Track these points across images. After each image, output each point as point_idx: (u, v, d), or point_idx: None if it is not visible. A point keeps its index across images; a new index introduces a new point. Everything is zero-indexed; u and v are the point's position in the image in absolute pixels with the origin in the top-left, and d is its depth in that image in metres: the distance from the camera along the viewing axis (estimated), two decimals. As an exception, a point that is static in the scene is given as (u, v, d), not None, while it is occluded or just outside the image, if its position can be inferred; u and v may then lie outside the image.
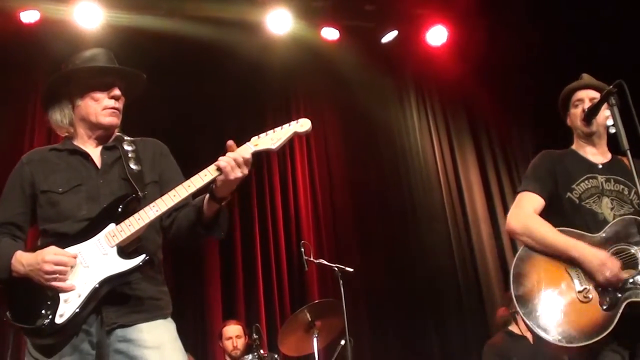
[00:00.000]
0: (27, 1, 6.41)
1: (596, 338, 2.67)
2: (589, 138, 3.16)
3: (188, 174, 2.43)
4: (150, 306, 2.43)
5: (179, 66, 6.82)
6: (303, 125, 2.44)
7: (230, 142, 2.36)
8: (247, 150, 2.36)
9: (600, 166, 3.12)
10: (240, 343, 5.64)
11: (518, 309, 2.81)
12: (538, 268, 2.87)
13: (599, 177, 3.07)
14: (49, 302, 2.28)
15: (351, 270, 5.17)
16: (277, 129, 2.42)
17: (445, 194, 7.59)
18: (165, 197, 2.36)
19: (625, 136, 2.75)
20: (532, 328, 2.75)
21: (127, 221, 2.35)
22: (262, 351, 5.17)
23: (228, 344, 5.64)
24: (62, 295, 2.28)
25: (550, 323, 2.73)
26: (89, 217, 2.41)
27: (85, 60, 2.59)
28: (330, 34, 7.42)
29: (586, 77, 3.26)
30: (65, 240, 2.37)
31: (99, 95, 2.56)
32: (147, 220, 2.34)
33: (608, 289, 2.75)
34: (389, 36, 7.65)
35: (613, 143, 2.94)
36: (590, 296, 2.75)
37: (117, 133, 2.67)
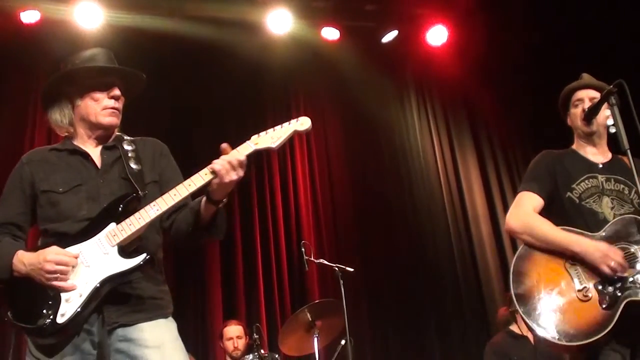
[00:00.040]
0: (28, 1, 6.42)
1: (595, 337, 2.67)
2: (589, 138, 3.16)
3: (188, 173, 2.43)
4: (151, 305, 2.43)
5: (179, 66, 6.83)
6: (303, 123, 2.44)
7: (224, 145, 2.37)
8: (242, 152, 2.36)
9: (601, 166, 3.12)
10: (241, 344, 5.64)
11: (517, 307, 2.81)
12: (538, 267, 2.87)
13: (599, 176, 3.07)
14: (50, 302, 2.28)
15: (352, 270, 5.17)
16: (277, 128, 2.43)
17: (445, 194, 7.59)
18: (165, 196, 2.36)
19: (625, 136, 2.75)
20: (532, 326, 2.75)
21: (127, 220, 2.35)
22: (262, 351, 5.17)
23: (229, 345, 5.64)
24: (63, 295, 2.29)
25: (550, 322, 2.74)
26: (89, 217, 2.41)
27: (85, 60, 2.59)
28: (331, 33, 7.43)
29: (586, 77, 3.26)
30: (66, 240, 2.37)
31: (98, 95, 2.56)
32: (147, 220, 2.34)
33: (608, 288, 2.75)
34: (389, 36, 7.66)
35: (613, 143, 2.94)
36: (590, 295, 2.76)
37: (116, 133, 2.67)
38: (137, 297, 2.40)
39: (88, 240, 2.36)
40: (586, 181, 3.05)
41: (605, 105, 2.94)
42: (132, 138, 2.68)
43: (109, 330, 2.34)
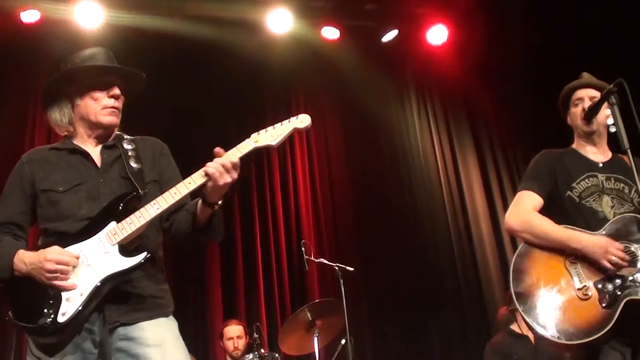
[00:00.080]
0: (28, 1, 6.42)
1: (595, 335, 2.67)
2: (589, 137, 3.17)
3: (188, 173, 2.43)
4: (151, 304, 2.43)
5: (179, 66, 6.83)
6: (303, 121, 2.45)
7: (217, 149, 2.36)
8: (242, 150, 2.37)
9: (601, 165, 3.12)
10: (241, 343, 5.64)
11: (517, 305, 2.82)
12: (538, 265, 2.88)
13: (599, 175, 3.07)
14: (51, 301, 2.28)
15: (352, 269, 5.18)
16: (277, 125, 2.43)
17: (445, 193, 7.60)
18: (166, 194, 2.36)
19: (625, 135, 2.75)
20: (531, 325, 2.76)
21: (128, 219, 2.35)
22: (262, 350, 5.17)
23: (229, 344, 5.64)
24: (64, 294, 2.28)
25: (549, 320, 2.74)
26: (90, 216, 2.41)
27: (85, 59, 2.58)
28: (331, 33, 7.43)
29: (586, 76, 3.26)
30: (66, 239, 2.37)
31: (98, 94, 2.56)
32: (148, 218, 2.34)
33: (608, 286, 2.75)
34: (390, 35, 7.66)
35: (613, 142, 2.95)
36: (590, 293, 2.76)
37: (116, 132, 2.67)
38: (137, 296, 2.40)
39: (88, 239, 2.35)
40: (586, 180, 3.05)
41: (605, 104, 2.95)
42: (132, 137, 2.67)
43: (110, 329, 2.34)
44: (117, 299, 2.35)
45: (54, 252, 2.30)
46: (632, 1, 6.24)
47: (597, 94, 3.10)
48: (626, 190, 3.03)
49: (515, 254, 2.95)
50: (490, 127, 7.98)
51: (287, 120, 2.45)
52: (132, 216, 2.35)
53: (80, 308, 2.27)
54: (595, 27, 6.61)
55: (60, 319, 2.26)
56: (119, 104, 2.61)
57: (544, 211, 3.03)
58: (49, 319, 2.26)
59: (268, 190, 7.25)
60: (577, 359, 2.82)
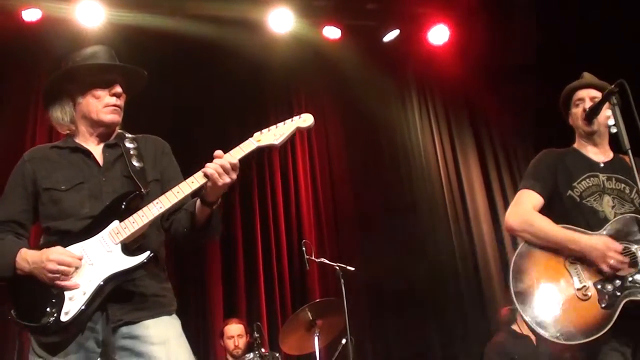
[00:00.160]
0: (29, -1, 6.43)
1: (594, 336, 2.67)
2: (590, 137, 3.17)
3: (189, 172, 2.43)
4: (154, 303, 2.43)
5: (181, 65, 6.83)
6: (305, 120, 2.45)
7: (217, 152, 2.36)
8: (245, 149, 2.37)
9: (602, 165, 3.12)
10: (242, 342, 5.64)
11: (517, 305, 2.82)
12: (537, 265, 2.88)
13: (600, 175, 3.07)
14: (54, 300, 2.28)
15: (352, 269, 5.17)
16: (280, 125, 2.43)
17: (446, 192, 7.59)
18: (168, 193, 2.36)
19: (626, 136, 2.75)
20: (530, 325, 2.76)
21: (130, 218, 2.35)
22: (263, 350, 5.17)
23: (229, 343, 5.64)
24: (67, 293, 2.29)
25: (549, 320, 2.74)
26: (92, 215, 2.41)
27: (86, 57, 2.58)
28: (332, 32, 7.42)
29: (587, 76, 3.26)
30: (69, 237, 2.37)
31: (100, 92, 2.56)
32: (151, 217, 2.34)
33: (607, 287, 2.75)
34: (391, 35, 7.65)
35: (614, 142, 2.94)
36: (589, 294, 2.76)
37: (118, 130, 2.67)
38: (140, 294, 2.41)
39: (91, 238, 2.36)
40: (587, 180, 3.05)
41: (606, 105, 2.94)
42: (133, 136, 2.67)
43: (114, 328, 2.35)
44: (120, 297, 2.36)
45: (56, 253, 2.30)
46: (635, 1, 6.23)
47: (598, 95, 3.10)
48: (627, 191, 3.03)
49: (515, 253, 2.95)
50: (491, 126, 7.97)
51: (290, 120, 2.44)
52: (135, 215, 2.35)
53: (83, 307, 2.27)
54: (597, 27, 6.60)
55: (63, 317, 2.26)
56: (120, 102, 2.60)
57: (545, 210, 3.03)
58: (52, 318, 2.26)
59: (269, 189, 7.25)
60: (576, 360, 2.83)
